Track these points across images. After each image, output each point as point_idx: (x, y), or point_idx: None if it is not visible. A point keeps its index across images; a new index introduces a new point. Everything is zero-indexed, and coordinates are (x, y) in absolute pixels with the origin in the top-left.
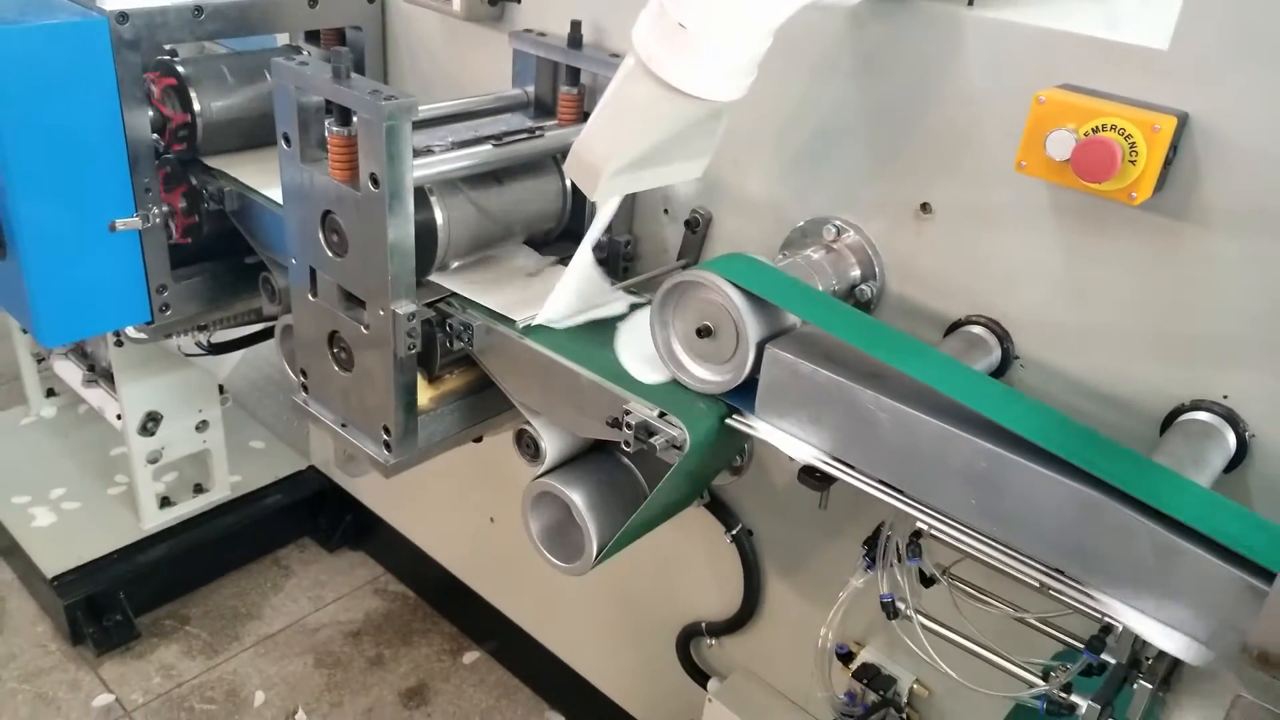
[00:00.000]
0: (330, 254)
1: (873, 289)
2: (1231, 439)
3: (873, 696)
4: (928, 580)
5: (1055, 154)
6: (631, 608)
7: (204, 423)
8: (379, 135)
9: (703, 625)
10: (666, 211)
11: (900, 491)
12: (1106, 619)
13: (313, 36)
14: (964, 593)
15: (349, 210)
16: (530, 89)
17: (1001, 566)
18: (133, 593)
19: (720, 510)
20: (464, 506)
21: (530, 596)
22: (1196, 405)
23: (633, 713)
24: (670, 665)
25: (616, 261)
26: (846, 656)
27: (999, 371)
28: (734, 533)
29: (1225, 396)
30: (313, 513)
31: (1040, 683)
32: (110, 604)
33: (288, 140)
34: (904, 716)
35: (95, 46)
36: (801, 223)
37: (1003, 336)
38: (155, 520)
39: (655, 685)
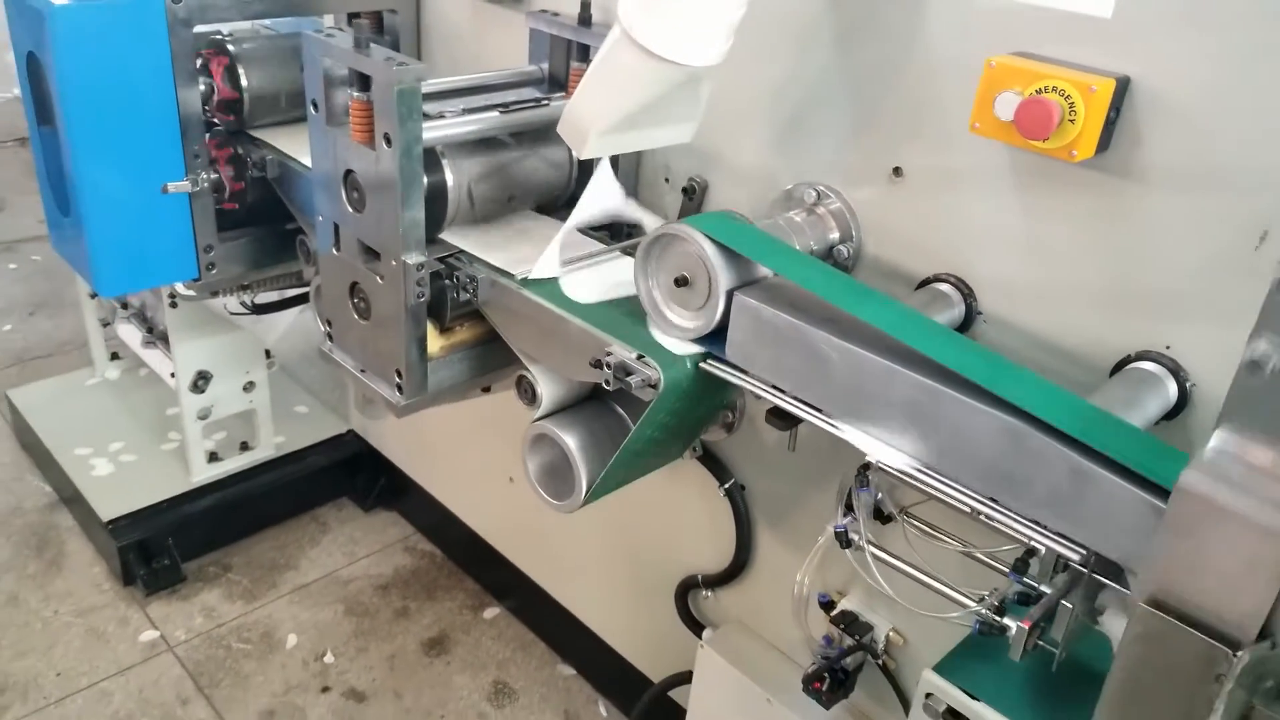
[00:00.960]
0: (351, 210)
1: (850, 249)
2: (1173, 388)
3: (849, 641)
4: (885, 518)
5: (1001, 114)
6: (636, 564)
7: (251, 384)
8: (391, 98)
9: (699, 578)
10: (667, 180)
11: (859, 428)
12: (1031, 543)
13: (354, 19)
14: (919, 530)
15: (367, 168)
16: (545, 65)
17: (939, 495)
18: (180, 539)
19: (714, 465)
20: (489, 471)
21: (548, 556)
22: (1142, 356)
23: (636, 664)
24: (670, 618)
25: (620, 227)
26: (828, 605)
27: (963, 327)
28: (726, 487)
29: (1168, 347)
30: (350, 474)
31: (972, 603)
32: (159, 548)
33: (315, 106)
34: (879, 661)
35: (152, 24)
36: (788, 188)
37: (967, 294)
38: (204, 474)
39: (657, 637)
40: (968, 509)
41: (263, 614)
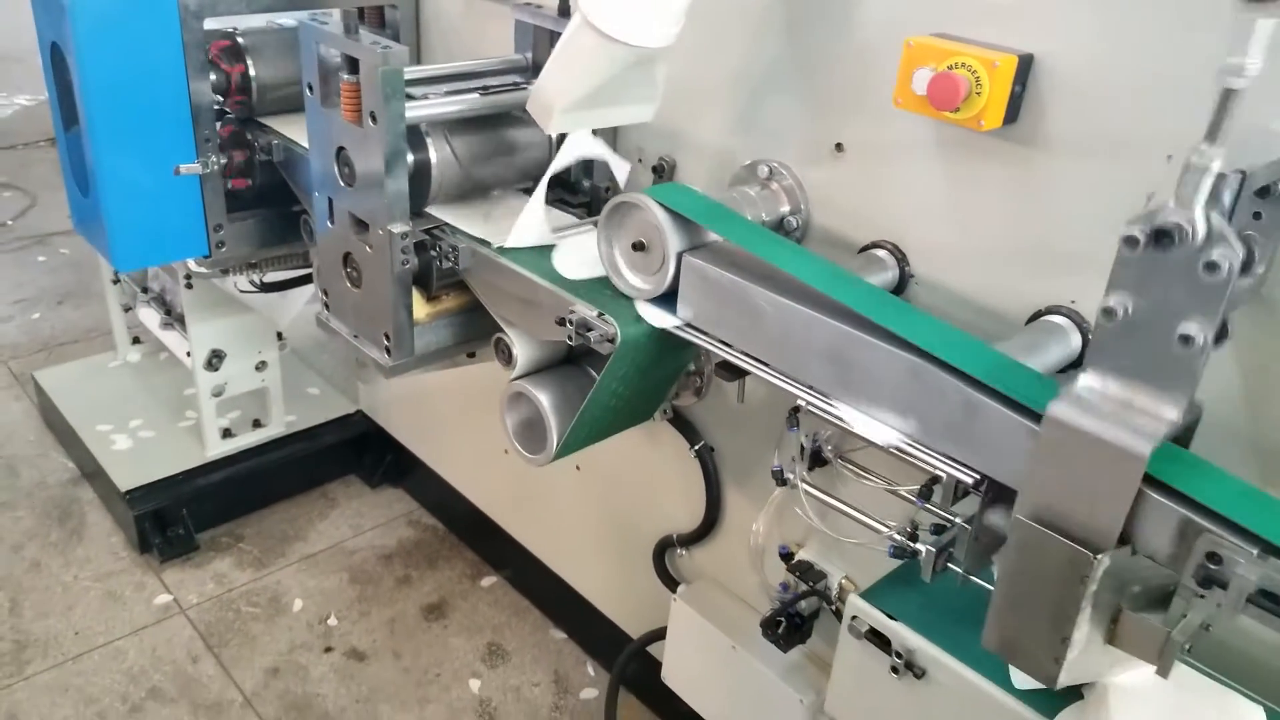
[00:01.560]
0: (342, 184)
1: (799, 220)
2: (1077, 339)
3: (804, 587)
4: (821, 461)
5: (918, 89)
6: (619, 528)
7: (263, 363)
8: (376, 79)
9: (674, 537)
10: (640, 160)
11: (781, 373)
12: (934, 471)
13: (359, 15)
14: (853, 473)
15: (356, 145)
16: (529, 54)
17: (855, 431)
18: (195, 510)
19: (684, 427)
20: (487, 446)
21: (542, 526)
22: (1051, 310)
23: (621, 625)
24: (649, 577)
25: (597, 203)
26: (787, 556)
27: (898, 289)
28: (697, 449)
29: (1073, 301)
30: (358, 452)
31: (885, 529)
32: (174, 518)
33: (311, 88)
34: (833, 607)
35: (165, 15)
36: (745, 164)
37: (900, 258)
38: (217, 448)
39: (639, 597)
40: (879, 443)
41: (271, 580)
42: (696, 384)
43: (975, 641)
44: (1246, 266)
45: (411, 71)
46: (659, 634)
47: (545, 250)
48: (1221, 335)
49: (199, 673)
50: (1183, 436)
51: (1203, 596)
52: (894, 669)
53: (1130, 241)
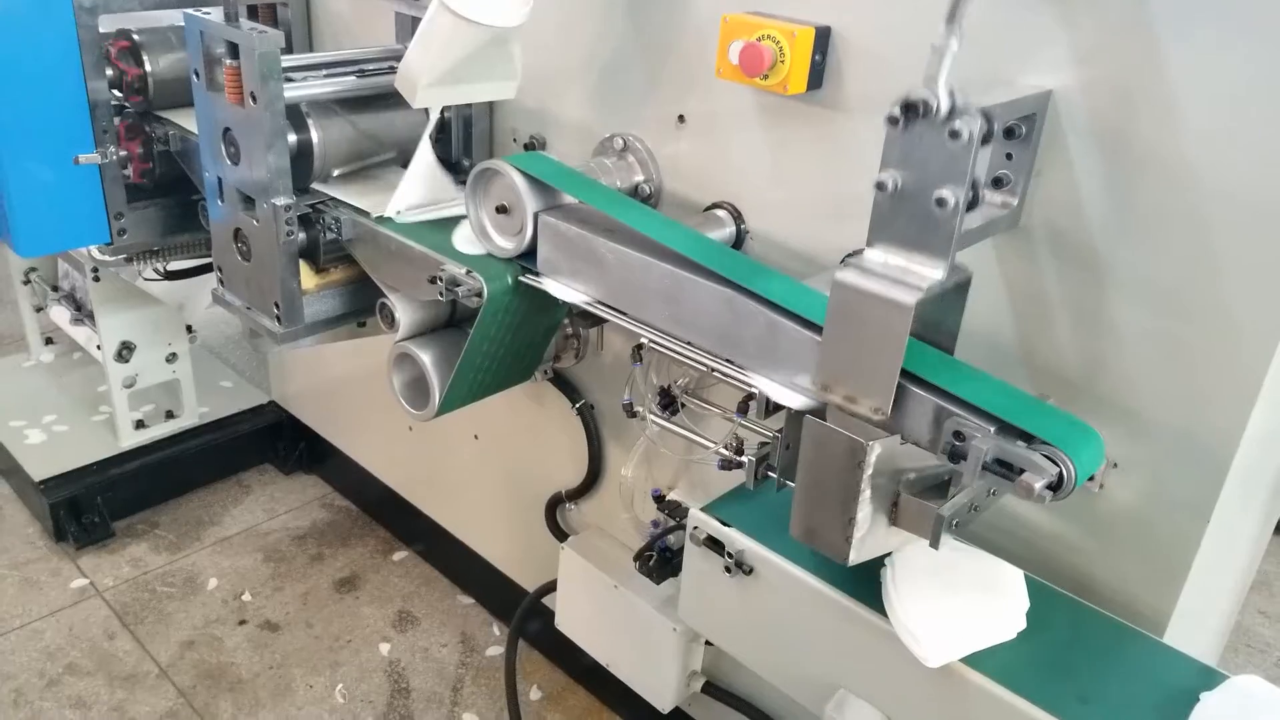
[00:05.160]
0: (230, 163)
1: (651, 187)
2: None
3: (671, 522)
4: (668, 396)
5: (732, 59)
6: (514, 489)
7: (173, 355)
8: (254, 61)
9: (563, 493)
10: (515, 139)
11: (624, 314)
12: (748, 389)
13: (253, 13)
14: (696, 406)
15: (240, 124)
16: (408, 44)
17: (687, 360)
18: (109, 499)
19: (566, 387)
20: (393, 426)
21: (447, 498)
22: (857, 252)
23: (523, 584)
24: (545, 534)
25: None
26: (659, 498)
27: (736, 244)
28: (578, 406)
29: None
30: (272, 441)
31: (712, 445)
32: (89, 506)
33: (198, 74)
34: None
35: (60, 12)
36: (604, 137)
37: (737, 216)
38: (131, 439)
39: (535, 554)
40: (705, 367)
41: (186, 563)
42: (575, 346)
43: (793, 539)
44: (988, 138)
45: (295, 59)
46: (552, 586)
47: (424, 223)
48: (974, 202)
49: (115, 648)
50: (955, 302)
51: (955, 467)
52: (727, 568)
53: (891, 120)
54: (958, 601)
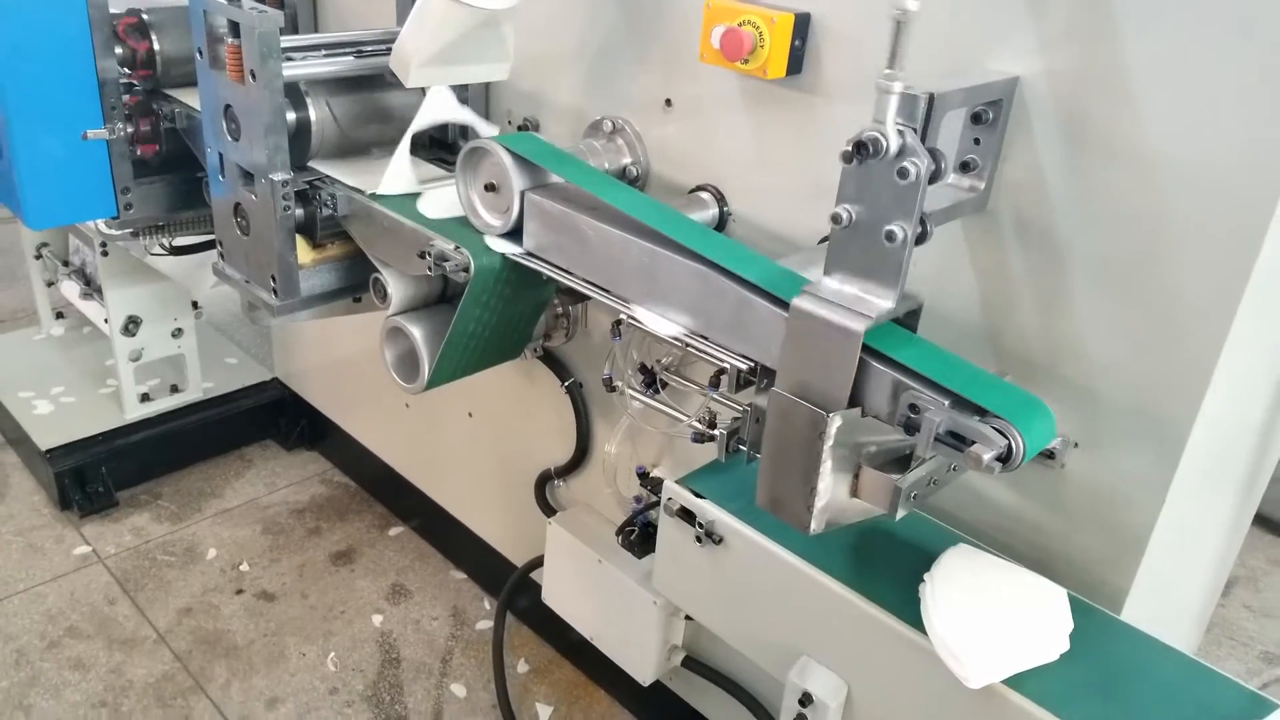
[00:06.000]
0: (230, 139)
1: (639, 169)
2: None
3: (653, 498)
4: (650, 373)
5: (713, 43)
6: (507, 467)
7: (178, 330)
8: (254, 39)
9: (552, 470)
10: (510, 122)
11: (604, 289)
12: (720, 363)
13: None
14: (676, 383)
15: (240, 101)
16: None
17: (661, 335)
18: (114, 469)
19: (555, 365)
20: (392, 404)
21: (444, 476)
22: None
23: (514, 560)
24: (534, 510)
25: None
26: (643, 475)
27: (719, 226)
28: (567, 384)
29: None
30: (274, 417)
31: (685, 418)
32: (94, 475)
33: (201, 53)
34: None
35: None
36: (595, 120)
37: (720, 199)
38: (136, 411)
39: (525, 530)
40: (682, 343)
41: (187, 533)
42: (565, 325)
43: (761, 510)
44: (936, 177)
45: (295, 39)
46: (540, 561)
47: (414, 197)
48: (922, 237)
49: (115, 613)
50: (908, 321)
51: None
52: (698, 538)
53: (845, 156)
54: (999, 620)
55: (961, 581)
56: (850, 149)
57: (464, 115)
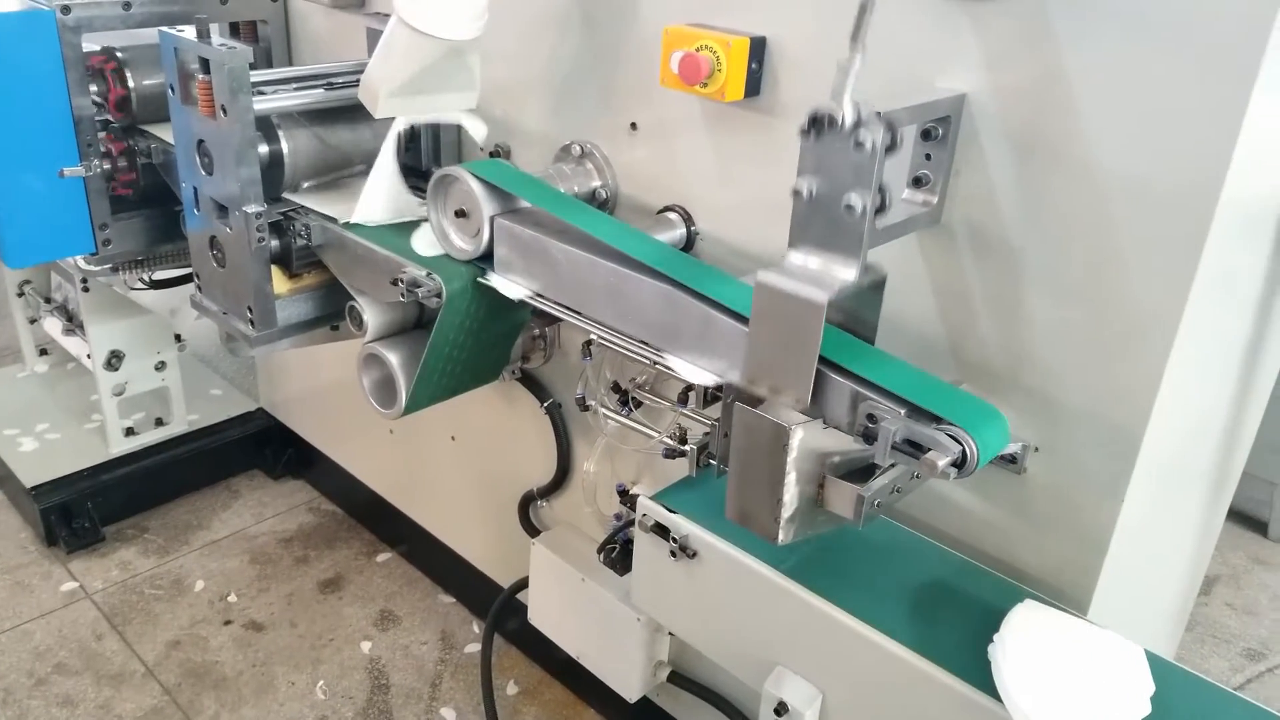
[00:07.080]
0: (204, 173)
1: (607, 191)
2: None
3: (633, 515)
4: (622, 391)
5: (673, 68)
6: (491, 489)
7: (162, 363)
8: (224, 75)
9: (535, 490)
10: (482, 149)
11: (577, 312)
12: (687, 380)
13: (235, 30)
14: (649, 401)
15: (212, 136)
16: None
17: (630, 354)
18: (100, 504)
19: (534, 386)
20: (376, 431)
21: (430, 501)
22: None
23: (500, 582)
24: (518, 531)
25: None
26: (624, 493)
27: (686, 246)
28: (546, 405)
29: None
30: (260, 446)
31: (656, 434)
32: (80, 511)
33: (173, 89)
34: None
35: (45, 32)
36: (564, 145)
37: (687, 219)
38: (120, 446)
39: (512, 553)
40: (649, 361)
41: (174, 565)
42: (543, 347)
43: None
44: (891, 147)
45: (265, 73)
46: (526, 583)
47: (388, 227)
48: (881, 208)
49: (103, 648)
50: (873, 294)
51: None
52: (673, 553)
53: (803, 132)
54: (1076, 683)
55: (1034, 640)
56: (807, 123)
57: (455, 115)
